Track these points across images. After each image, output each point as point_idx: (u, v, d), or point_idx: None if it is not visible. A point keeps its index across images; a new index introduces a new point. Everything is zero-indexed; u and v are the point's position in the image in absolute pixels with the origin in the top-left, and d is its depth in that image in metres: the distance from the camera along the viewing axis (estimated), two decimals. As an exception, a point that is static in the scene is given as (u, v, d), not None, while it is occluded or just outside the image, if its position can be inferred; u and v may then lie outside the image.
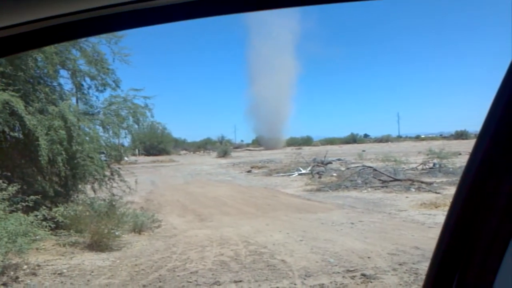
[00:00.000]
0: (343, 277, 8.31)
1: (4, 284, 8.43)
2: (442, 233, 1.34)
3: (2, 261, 8.64)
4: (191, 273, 8.88)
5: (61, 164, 11.80)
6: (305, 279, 8.26)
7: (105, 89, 14.26)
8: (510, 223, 1.16)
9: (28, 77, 12.55)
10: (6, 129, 11.69)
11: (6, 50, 1.56)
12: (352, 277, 8.26)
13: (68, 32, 1.47)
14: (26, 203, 10.19)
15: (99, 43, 13.74)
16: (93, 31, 1.62)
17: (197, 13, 1.37)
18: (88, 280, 8.70)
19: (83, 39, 13.16)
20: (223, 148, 70.13)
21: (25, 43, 1.49)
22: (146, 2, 1.26)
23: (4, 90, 10.97)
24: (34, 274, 8.98)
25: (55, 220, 10.76)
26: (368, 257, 9.51)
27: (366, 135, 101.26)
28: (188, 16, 1.38)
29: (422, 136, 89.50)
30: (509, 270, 1.17)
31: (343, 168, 30.23)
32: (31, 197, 10.42)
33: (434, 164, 27.83)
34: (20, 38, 1.37)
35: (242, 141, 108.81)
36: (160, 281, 8.46)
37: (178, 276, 8.74)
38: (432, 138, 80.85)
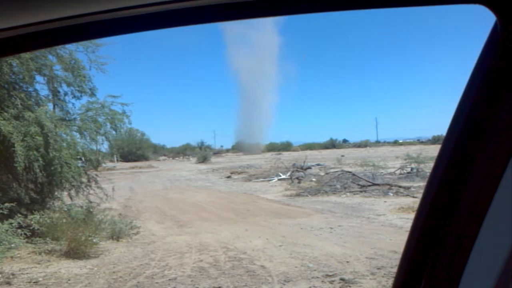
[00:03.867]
0: (322, 281, 8.34)
1: (-23, 294, 8.27)
2: (409, 239, 1.37)
3: (-25, 270, 8.48)
4: (169, 280, 8.82)
5: (38, 171, 11.62)
6: (284, 284, 8.27)
7: (81, 95, 14.11)
8: (474, 228, 1.19)
9: (3, 82, 12.35)
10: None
11: (6, 50, 1.57)
12: (331, 282, 8.29)
13: (62, 36, 1.47)
14: (1, 211, 10.02)
15: (76, 50, 13.62)
16: (88, 35, 1.62)
17: (186, 21, 1.38)
18: (65, 289, 8.58)
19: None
20: (202, 153, 69.85)
21: (23, 45, 1.49)
22: (140, 9, 1.26)
23: (-23, 95, 10.79)
24: (9, 283, 8.81)
25: (31, 227, 10.58)
26: (347, 262, 9.56)
27: (345, 140, 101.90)
28: (177, 23, 1.39)
29: (400, 141, 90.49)
30: (473, 275, 1.20)
31: (322, 173, 30.38)
32: (6, 204, 10.24)
33: (412, 169, 28.13)
34: (19, 40, 1.37)
35: (221, 146, 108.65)
36: (138, 289, 8.39)
37: (156, 283, 8.67)
38: (410, 143, 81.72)
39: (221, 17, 1.41)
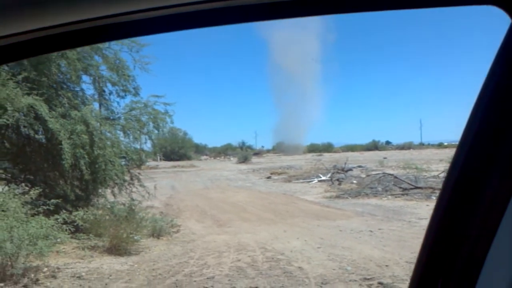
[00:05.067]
0: (360, 285, 8.26)
1: (24, 286, 8.59)
2: (425, 239, 1.35)
3: (23, 263, 8.81)
4: (207, 278, 8.92)
5: (84, 168, 11.98)
6: (321, 286, 8.23)
7: (126, 95, 14.50)
8: (491, 228, 1.17)
9: (51, 82, 12.82)
10: (31, 132, 11.95)
11: (25, 53, 1.63)
12: (369, 286, 8.20)
13: (82, 38, 1.51)
14: (47, 207, 10.38)
15: (121, 50, 13.97)
16: (109, 37, 1.67)
17: (209, 22, 1.41)
18: (106, 284, 8.80)
19: (105, 45, 13.43)
20: (243, 154, 70.26)
21: (45, 47, 1.54)
22: (159, 11, 1.29)
23: (28, 94, 11.23)
24: (54, 277, 9.12)
25: (75, 223, 10.91)
26: (386, 266, 9.43)
27: (388, 142, 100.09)
28: (200, 24, 1.42)
29: (445, 144, 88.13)
30: (489, 280, 1.18)
31: (363, 175, 29.97)
32: (52, 200, 10.61)
33: (456, 172, 27.38)
34: (41, 42, 1.41)
35: (262, 147, 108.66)
36: (176, 286, 8.52)
37: (194, 281, 8.79)
38: (455, 146, 79.41)
39: (254, 17, 1.43)
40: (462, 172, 1.26)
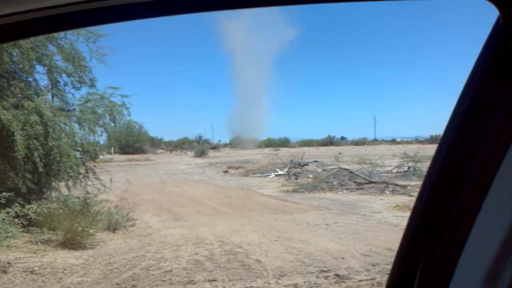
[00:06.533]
0: (317, 277, 8.39)
1: (-27, 282, 8.29)
2: (404, 236, 1.39)
3: (-28, 258, 8.51)
4: (165, 272, 8.86)
5: (37, 160, 11.62)
6: (279, 278, 8.32)
7: (81, 86, 14.10)
8: (470, 217, 1.21)
9: (2, 71, 12.36)
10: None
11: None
12: (326, 277, 8.35)
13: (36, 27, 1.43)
14: (-2, 200, 10.04)
15: (77, 40, 13.59)
16: (70, 25, 1.60)
17: (171, 11, 1.39)
18: (60, 278, 8.61)
19: (60, 35, 13.05)
20: (200, 148, 69.79)
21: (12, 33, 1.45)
22: None
23: (-23, 84, 10.79)
24: (4, 272, 8.84)
25: (28, 217, 10.60)
26: (342, 258, 9.61)
27: (343, 138, 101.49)
28: (164, 13, 1.39)
29: (398, 140, 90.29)
30: (464, 274, 1.23)
31: (319, 170, 30.41)
32: (3, 194, 10.26)
33: (409, 168, 28.13)
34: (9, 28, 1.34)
35: (219, 141, 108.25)
36: (133, 280, 8.42)
37: (152, 274, 8.71)
38: (408, 142, 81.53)
39: (217, 5, 1.42)
40: (442, 169, 1.29)
